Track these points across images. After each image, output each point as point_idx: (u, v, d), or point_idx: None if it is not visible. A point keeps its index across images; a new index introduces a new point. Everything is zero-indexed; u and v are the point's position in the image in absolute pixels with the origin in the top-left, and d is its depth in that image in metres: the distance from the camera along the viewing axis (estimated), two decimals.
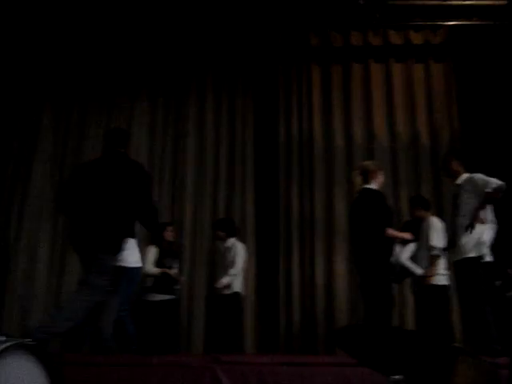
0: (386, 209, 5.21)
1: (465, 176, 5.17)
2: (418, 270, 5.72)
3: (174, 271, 6.57)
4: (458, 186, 5.18)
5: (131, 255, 5.52)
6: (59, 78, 8.00)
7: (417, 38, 8.06)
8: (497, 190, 4.82)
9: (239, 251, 6.62)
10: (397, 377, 2.10)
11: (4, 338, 2.00)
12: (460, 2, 7.78)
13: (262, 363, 4.02)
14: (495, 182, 4.86)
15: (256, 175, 7.74)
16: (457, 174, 5.25)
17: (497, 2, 7.86)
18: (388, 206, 5.36)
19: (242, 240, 6.99)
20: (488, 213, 5.05)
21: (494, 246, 6.08)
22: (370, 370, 2.34)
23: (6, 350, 1.94)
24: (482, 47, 8.12)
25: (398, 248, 5.74)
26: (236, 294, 6.59)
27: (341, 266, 7.22)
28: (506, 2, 7.80)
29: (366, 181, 5.29)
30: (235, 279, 6.55)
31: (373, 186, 5.27)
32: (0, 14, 7.23)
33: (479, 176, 5.04)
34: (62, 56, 7.98)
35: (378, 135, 7.68)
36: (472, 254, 4.93)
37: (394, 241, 5.46)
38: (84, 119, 7.90)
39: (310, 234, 7.41)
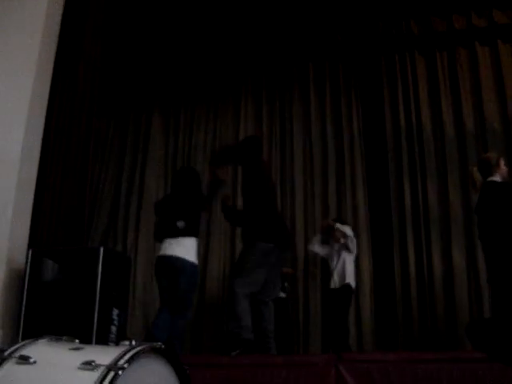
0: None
1: None
2: None
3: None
4: None
5: None
6: (167, 82, 8.28)
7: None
8: None
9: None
10: None
11: (134, 343, 2.08)
12: None
13: (386, 361, 3.96)
14: None
15: (366, 170, 7.66)
16: None
17: None
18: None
19: (356, 236, 6.94)
20: None
21: None
22: (501, 364, 2.25)
23: (138, 353, 2.01)
24: None
25: None
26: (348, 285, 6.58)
27: (459, 259, 7.00)
28: None
29: (490, 173, 5.11)
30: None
31: (497, 178, 5.11)
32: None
33: None
34: (171, 60, 8.26)
35: (489, 121, 7.38)
36: None
37: None
38: (192, 121, 8.18)
39: (425, 226, 7.23)
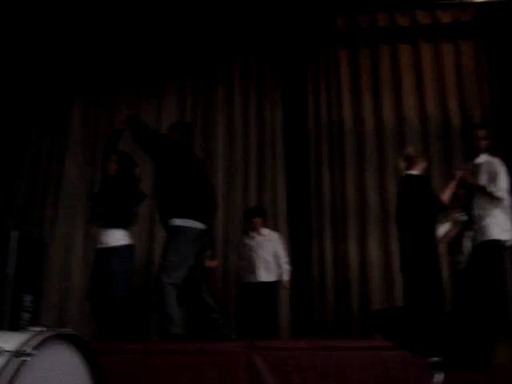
0: (430, 193, 5.28)
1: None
2: None
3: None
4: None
5: None
6: (87, 71, 8.12)
7: (445, 17, 7.90)
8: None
9: (279, 240, 6.78)
10: (435, 359, 2.10)
11: (44, 329, 2.04)
12: None
13: (298, 348, 4.00)
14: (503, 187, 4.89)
15: (286, 162, 7.72)
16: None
17: None
18: (431, 190, 5.39)
19: (274, 227, 7.04)
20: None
21: None
22: (408, 352, 2.33)
23: (46, 340, 1.97)
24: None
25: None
26: (277, 282, 6.68)
27: (374, 250, 7.20)
28: None
29: (410, 167, 5.38)
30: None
31: (415, 171, 5.32)
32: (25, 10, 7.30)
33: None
34: (89, 49, 8.09)
35: (408, 118, 7.58)
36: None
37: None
38: (113, 110, 7.97)
39: (343, 218, 7.38)
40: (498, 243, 4.96)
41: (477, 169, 5.29)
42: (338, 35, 8.00)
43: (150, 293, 6.62)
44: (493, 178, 5.12)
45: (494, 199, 5.07)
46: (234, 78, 8.10)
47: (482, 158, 5.32)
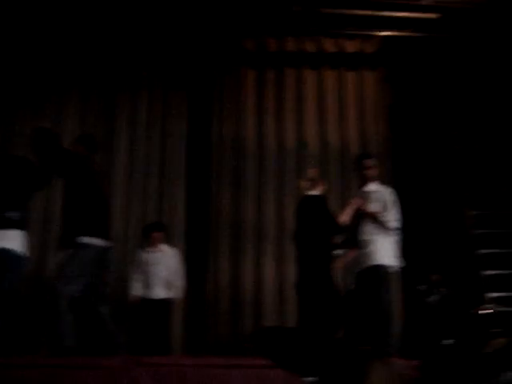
0: (328, 215, 5.41)
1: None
2: None
3: None
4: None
5: None
6: None
7: (350, 47, 8.20)
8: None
9: (177, 256, 6.75)
10: (311, 378, 2.13)
11: None
12: (392, 14, 7.98)
13: (183, 365, 3.98)
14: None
15: (187, 177, 7.70)
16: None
17: (429, 16, 8.10)
18: (330, 211, 5.51)
19: (172, 242, 6.99)
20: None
21: (418, 253, 6.29)
22: (288, 371, 2.35)
23: None
24: (414, 57, 8.35)
25: None
26: (172, 299, 6.63)
27: (270, 269, 7.29)
28: (437, 16, 8.04)
29: (311, 187, 5.55)
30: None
31: (317, 192, 5.49)
32: None
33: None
34: None
35: (309, 142, 7.78)
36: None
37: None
38: (13, 118, 7.67)
39: (240, 236, 7.43)
40: (383, 268, 5.12)
41: (367, 196, 5.46)
42: (245, 56, 8.11)
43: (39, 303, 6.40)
44: (384, 207, 5.30)
45: (383, 227, 5.24)
46: (140, 91, 8.00)
47: (373, 187, 5.50)
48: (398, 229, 5.36)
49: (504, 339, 1.87)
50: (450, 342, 1.82)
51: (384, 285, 5.10)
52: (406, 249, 6.83)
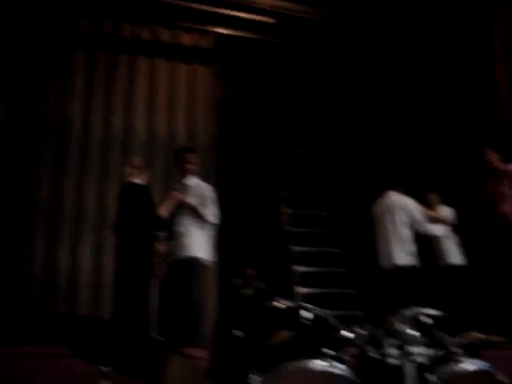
0: (150, 205, 5.36)
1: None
2: None
3: None
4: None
5: None
6: None
7: (186, 40, 8.24)
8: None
9: None
10: (106, 368, 2.13)
11: None
12: (231, 13, 8.15)
13: None
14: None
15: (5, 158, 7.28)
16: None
17: (266, 19, 8.36)
18: (153, 202, 5.47)
19: None
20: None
21: (235, 247, 6.49)
22: (84, 360, 2.33)
23: None
24: (248, 58, 8.58)
25: None
26: None
27: (87, 256, 7.11)
28: (275, 21, 8.33)
29: (135, 175, 5.48)
30: None
31: (140, 181, 5.43)
32: None
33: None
34: None
35: (137, 129, 7.67)
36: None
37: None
38: None
39: (58, 221, 7.17)
40: (195, 261, 5.23)
41: (186, 190, 5.54)
42: (77, 37, 7.81)
43: None
44: (202, 201, 5.41)
45: (200, 221, 5.35)
46: None
47: (193, 181, 5.59)
48: (214, 224, 5.49)
49: (288, 332, 2.00)
50: (240, 333, 1.92)
51: (195, 277, 5.21)
52: (224, 243, 7.05)
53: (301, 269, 7.53)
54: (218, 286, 7.32)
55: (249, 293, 8.06)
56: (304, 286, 7.41)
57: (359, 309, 7.24)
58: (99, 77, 7.79)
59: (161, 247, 5.56)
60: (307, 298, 7.28)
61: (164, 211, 5.31)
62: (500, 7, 6.78)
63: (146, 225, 5.23)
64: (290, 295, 7.15)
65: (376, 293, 6.02)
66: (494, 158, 5.60)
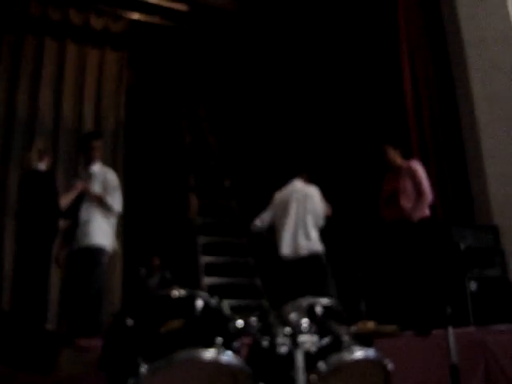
0: (53, 192, 5.20)
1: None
2: None
3: None
4: None
5: None
6: None
7: (97, 23, 8.04)
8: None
9: None
10: None
11: None
12: None
13: None
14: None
15: None
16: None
17: (178, 7, 8.31)
18: (56, 187, 5.32)
19: None
20: None
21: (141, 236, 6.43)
22: None
23: None
24: (160, 44, 8.50)
25: None
26: None
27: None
28: (187, 9, 8.29)
29: (39, 160, 5.28)
30: None
31: (42, 166, 5.27)
32: None
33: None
34: None
35: (42, 114, 7.41)
36: None
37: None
38: None
39: None
40: (98, 248, 5.15)
41: (90, 177, 5.44)
42: None
43: None
44: (105, 187, 5.32)
45: (103, 209, 5.27)
46: None
47: (97, 168, 5.50)
48: (118, 212, 5.42)
49: (179, 321, 2.01)
50: (131, 321, 1.91)
51: (97, 265, 5.12)
52: (130, 231, 6.98)
53: (207, 259, 7.55)
54: (123, 275, 7.24)
55: (154, 282, 8.03)
56: (209, 276, 7.45)
57: (264, 298, 7.35)
58: (4, 57, 7.46)
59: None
60: (213, 287, 7.32)
61: (64, 201, 5.19)
62: (407, 10, 7.03)
63: (46, 213, 5.07)
64: (196, 285, 7.17)
65: (280, 282, 6.07)
66: (393, 155, 5.76)
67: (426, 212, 5.55)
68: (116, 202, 5.32)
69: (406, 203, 5.57)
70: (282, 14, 8.22)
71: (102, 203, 5.26)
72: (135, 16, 8.24)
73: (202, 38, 8.62)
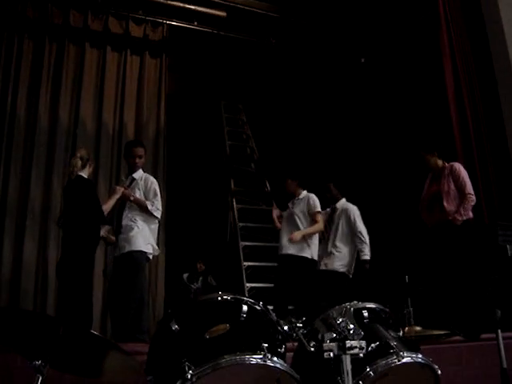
0: (95, 199, 5.23)
1: None
2: None
3: None
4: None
5: None
6: None
7: (136, 31, 8.11)
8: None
9: None
10: (38, 362, 2.07)
11: None
12: (181, 5, 8.10)
13: None
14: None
15: None
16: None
17: (217, 12, 8.34)
18: (97, 196, 5.38)
19: None
20: None
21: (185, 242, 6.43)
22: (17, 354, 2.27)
23: None
24: (199, 50, 8.54)
25: None
26: None
27: (31, 250, 6.93)
28: (225, 14, 8.32)
29: (82, 167, 5.33)
30: None
31: (84, 173, 5.30)
32: None
33: None
34: None
35: (84, 121, 7.50)
36: None
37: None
38: None
39: (1, 214, 6.97)
40: (140, 254, 5.18)
41: (132, 183, 5.49)
42: (24, 23, 7.54)
43: None
44: (146, 193, 5.38)
45: (146, 215, 5.32)
46: None
47: (138, 174, 5.55)
48: (159, 218, 5.46)
49: (224, 326, 2.00)
50: (176, 326, 1.91)
51: (140, 271, 5.17)
52: (173, 237, 7.01)
53: (249, 263, 7.55)
54: (166, 281, 7.27)
55: (198, 287, 8.05)
56: (252, 282, 7.44)
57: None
58: (47, 66, 7.59)
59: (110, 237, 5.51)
60: (256, 292, 7.30)
61: (105, 207, 5.24)
62: (449, 14, 6.95)
63: (90, 219, 5.13)
64: (239, 290, 7.16)
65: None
66: (430, 158, 5.70)
67: (470, 214, 5.46)
68: (156, 207, 5.36)
69: (450, 205, 5.49)
70: (322, 17, 8.18)
71: (142, 208, 5.31)
72: (173, 23, 8.30)
73: (240, 42, 8.63)
